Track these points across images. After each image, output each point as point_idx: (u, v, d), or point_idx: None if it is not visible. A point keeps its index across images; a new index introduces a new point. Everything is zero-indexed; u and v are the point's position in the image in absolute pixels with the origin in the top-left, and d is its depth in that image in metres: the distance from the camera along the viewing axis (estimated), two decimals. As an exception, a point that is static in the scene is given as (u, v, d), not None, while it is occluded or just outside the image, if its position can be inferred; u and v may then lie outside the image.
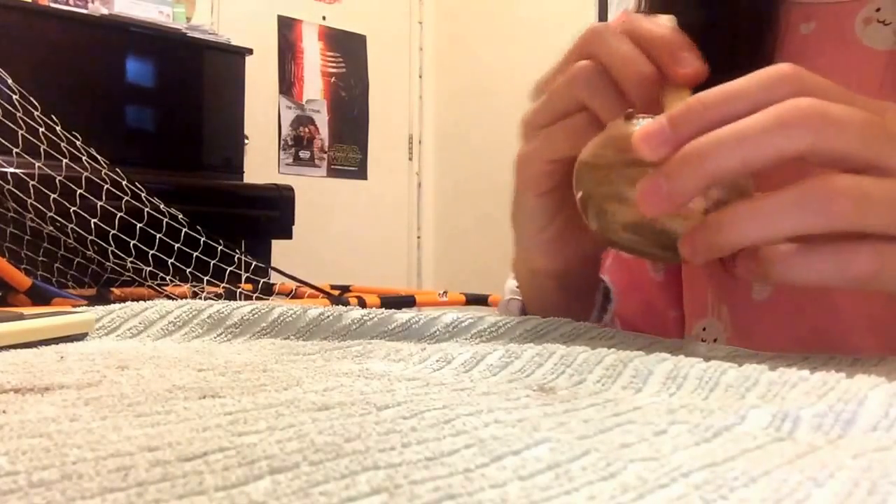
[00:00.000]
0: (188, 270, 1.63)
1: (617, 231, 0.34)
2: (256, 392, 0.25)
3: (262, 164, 3.14)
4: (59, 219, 1.54)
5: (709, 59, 0.37)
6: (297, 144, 3.45)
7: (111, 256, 1.57)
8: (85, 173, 1.58)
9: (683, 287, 0.56)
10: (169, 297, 0.73)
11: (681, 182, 0.30)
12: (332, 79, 3.56)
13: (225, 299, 0.55)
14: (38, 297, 1.38)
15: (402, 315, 0.41)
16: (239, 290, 1.65)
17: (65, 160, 1.57)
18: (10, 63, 1.65)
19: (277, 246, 2.62)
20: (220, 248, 1.67)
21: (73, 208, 1.53)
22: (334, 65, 3.57)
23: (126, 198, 1.60)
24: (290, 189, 2.64)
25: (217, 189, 2.53)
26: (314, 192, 3.34)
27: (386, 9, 3.70)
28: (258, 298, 1.62)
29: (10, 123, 1.51)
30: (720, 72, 0.33)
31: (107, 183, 1.60)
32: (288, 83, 3.42)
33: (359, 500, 0.15)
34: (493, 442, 0.19)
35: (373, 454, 0.18)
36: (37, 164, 1.52)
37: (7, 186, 1.53)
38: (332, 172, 3.55)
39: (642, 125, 0.31)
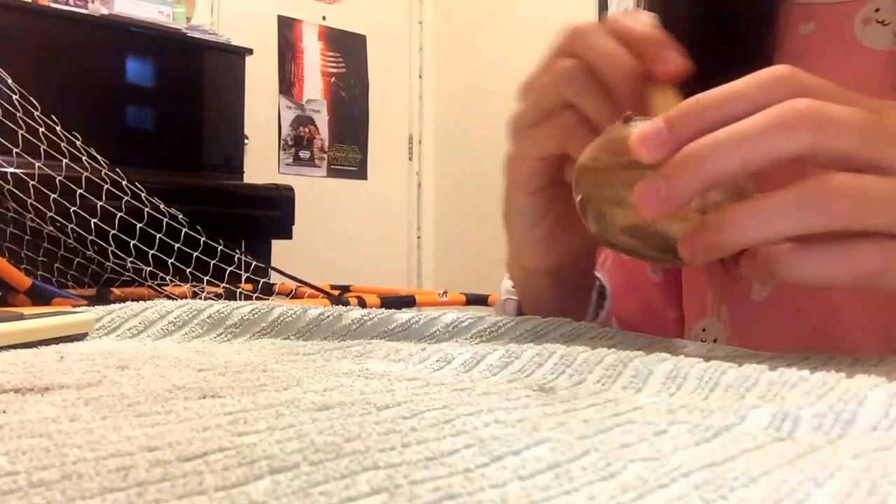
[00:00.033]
0: (188, 270, 1.63)
1: (616, 234, 0.34)
2: (256, 392, 0.25)
3: (262, 164, 3.14)
4: (59, 219, 1.54)
5: (708, 59, 0.37)
6: (297, 144, 3.45)
7: (111, 256, 1.57)
8: (85, 173, 1.58)
9: (683, 287, 0.56)
10: (169, 297, 0.73)
11: (679, 184, 0.30)
12: (332, 79, 3.56)
13: (225, 299, 0.55)
14: (38, 297, 1.38)
15: (402, 315, 0.41)
16: (239, 290, 1.65)
17: (65, 160, 1.57)
18: (10, 63, 1.65)
19: (277, 246, 2.63)
20: (220, 248, 1.67)
21: (73, 208, 1.53)
22: (334, 65, 3.57)
23: (126, 198, 1.60)
24: (290, 189, 2.64)
25: (217, 189, 2.53)
26: (314, 192, 3.34)
27: (386, 9, 3.70)
28: (258, 298, 1.62)
29: (10, 123, 1.51)
30: (719, 72, 0.33)
31: (107, 183, 1.60)
32: (288, 83, 3.42)
33: (359, 500, 0.15)
34: (493, 442, 0.19)
35: (373, 454, 0.18)
36: (37, 164, 1.52)
37: (7, 186, 1.53)
38: (332, 172, 3.55)
39: (639, 127, 0.31)
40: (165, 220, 1.62)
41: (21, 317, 0.36)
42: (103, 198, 1.57)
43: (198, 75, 2.71)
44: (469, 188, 3.55)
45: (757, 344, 0.42)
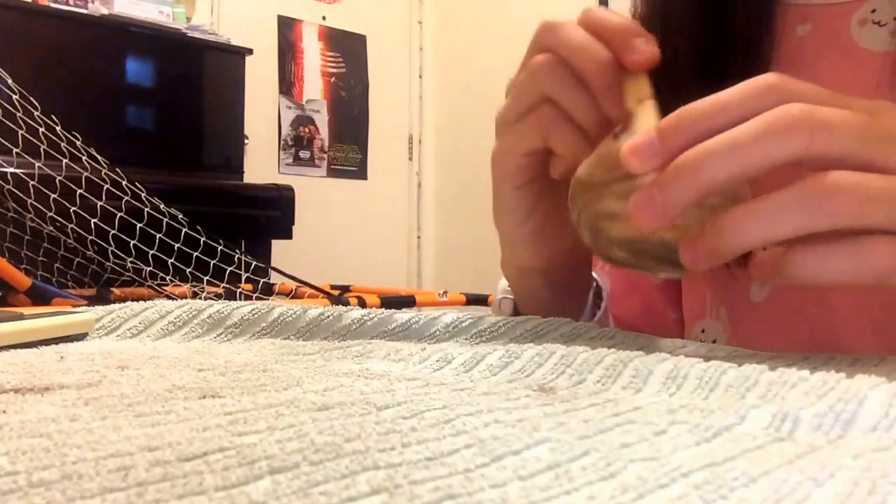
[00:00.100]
0: (188, 270, 1.63)
1: (614, 248, 0.34)
2: (256, 392, 0.25)
3: (262, 164, 3.14)
4: (59, 219, 1.54)
5: (706, 60, 0.37)
6: (297, 144, 3.45)
7: (111, 256, 1.57)
8: (85, 173, 1.58)
9: (682, 289, 0.56)
10: (169, 297, 0.73)
11: (675, 193, 0.29)
12: (332, 79, 3.56)
13: (225, 299, 0.55)
14: (38, 297, 1.38)
15: (402, 315, 0.41)
16: (239, 290, 1.65)
17: (65, 160, 1.56)
18: (10, 63, 1.65)
19: (277, 246, 2.62)
20: (220, 248, 1.67)
21: (73, 208, 1.53)
22: (334, 65, 3.57)
23: (126, 198, 1.60)
24: (290, 189, 2.64)
25: (217, 189, 2.53)
26: (314, 192, 3.34)
27: (386, 9, 3.70)
28: (258, 298, 1.62)
29: (10, 123, 1.51)
30: (718, 73, 0.33)
31: (107, 183, 1.60)
32: (288, 83, 3.42)
33: (359, 500, 0.15)
34: (493, 442, 0.19)
35: (373, 454, 0.18)
36: (37, 164, 1.52)
37: (7, 186, 1.53)
38: (332, 172, 3.55)
39: (631, 140, 0.31)
40: (165, 220, 1.62)
41: (21, 317, 0.36)
42: (103, 198, 1.57)
43: (198, 75, 2.71)
44: (469, 188, 3.54)
45: (756, 344, 0.42)
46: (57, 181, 1.53)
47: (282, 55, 3.40)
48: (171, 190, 2.12)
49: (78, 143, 1.62)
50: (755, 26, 0.49)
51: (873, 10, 0.47)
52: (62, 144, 1.58)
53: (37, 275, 1.59)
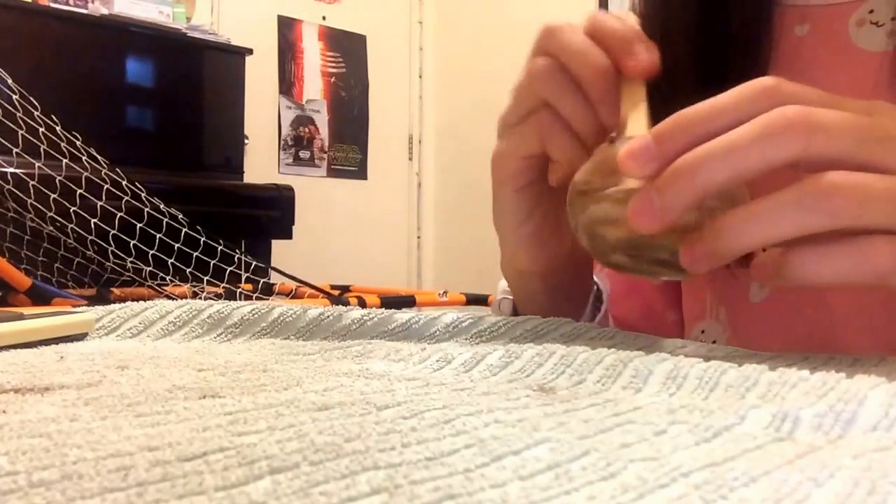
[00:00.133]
0: (188, 270, 1.64)
1: (612, 253, 0.34)
2: (256, 392, 0.25)
3: (262, 164, 3.14)
4: (59, 219, 1.54)
5: (705, 60, 0.37)
6: (297, 144, 3.45)
7: (111, 256, 1.57)
8: (85, 173, 1.58)
9: (682, 290, 0.56)
10: (169, 297, 0.73)
11: (672, 196, 0.29)
12: (332, 79, 3.56)
13: (225, 299, 0.55)
14: (38, 297, 1.38)
15: (402, 315, 0.41)
16: (239, 290, 1.65)
17: (65, 160, 1.56)
18: (10, 63, 1.65)
19: (277, 246, 2.62)
20: (220, 248, 1.67)
21: (73, 208, 1.53)
22: (334, 65, 3.57)
23: (126, 198, 1.60)
24: (290, 189, 2.64)
25: (217, 189, 2.53)
26: (314, 192, 3.34)
27: (386, 9, 3.70)
28: (258, 298, 1.62)
29: (10, 123, 1.51)
30: (717, 73, 0.33)
31: (107, 183, 1.60)
32: (288, 83, 3.42)
33: (359, 500, 0.15)
34: (493, 442, 0.19)
35: (373, 454, 0.18)
36: (37, 164, 1.52)
37: (7, 186, 1.53)
38: (332, 172, 3.55)
39: (627, 144, 0.31)
40: (165, 220, 1.62)
41: (21, 317, 0.36)
42: (103, 198, 1.57)
43: (198, 75, 2.71)
44: (469, 188, 3.54)
45: (756, 345, 0.42)
46: (57, 181, 1.53)
47: (282, 55, 3.40)
48: (171, 190, 2.12)
49: (78, 143, 1.62)
50: (753, 27, 0.49)
51: (871, 11, 0.47)
52: (62, 144, 1.58)
53: (37, 275, 1.59)
